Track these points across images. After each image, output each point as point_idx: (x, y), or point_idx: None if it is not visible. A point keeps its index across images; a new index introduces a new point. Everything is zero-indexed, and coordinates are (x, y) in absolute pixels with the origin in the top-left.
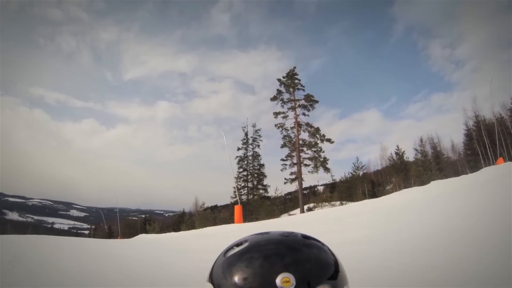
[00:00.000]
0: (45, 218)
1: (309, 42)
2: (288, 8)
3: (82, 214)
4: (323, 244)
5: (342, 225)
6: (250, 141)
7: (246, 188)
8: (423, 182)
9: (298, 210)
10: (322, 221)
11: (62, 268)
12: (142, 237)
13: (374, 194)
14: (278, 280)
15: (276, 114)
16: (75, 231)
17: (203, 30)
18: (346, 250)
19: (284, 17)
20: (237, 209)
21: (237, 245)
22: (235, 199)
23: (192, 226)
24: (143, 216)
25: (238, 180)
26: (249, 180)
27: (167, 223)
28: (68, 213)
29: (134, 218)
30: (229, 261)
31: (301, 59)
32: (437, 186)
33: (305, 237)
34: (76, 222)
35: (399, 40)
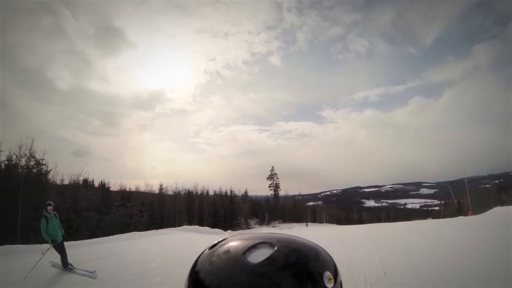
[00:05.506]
0: (397, 201)
1: None
2: None
3: (432, 191)
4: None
5: None
6: None
7: None
8: None
9: None
10: None
11: None
12: (496, 211)
13: None
14: (325, 279)
15: None
16: (425, 208)
17: None
18: None
19: None
20: None
21: (251, 248)
22: None
23: None
24: (496, 181)
25: None
26: None
27: None
28: (418, 192)
29: (486, 186)
30: (266, 269)
31: None
32: None
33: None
34: (426, 200)
35: None
